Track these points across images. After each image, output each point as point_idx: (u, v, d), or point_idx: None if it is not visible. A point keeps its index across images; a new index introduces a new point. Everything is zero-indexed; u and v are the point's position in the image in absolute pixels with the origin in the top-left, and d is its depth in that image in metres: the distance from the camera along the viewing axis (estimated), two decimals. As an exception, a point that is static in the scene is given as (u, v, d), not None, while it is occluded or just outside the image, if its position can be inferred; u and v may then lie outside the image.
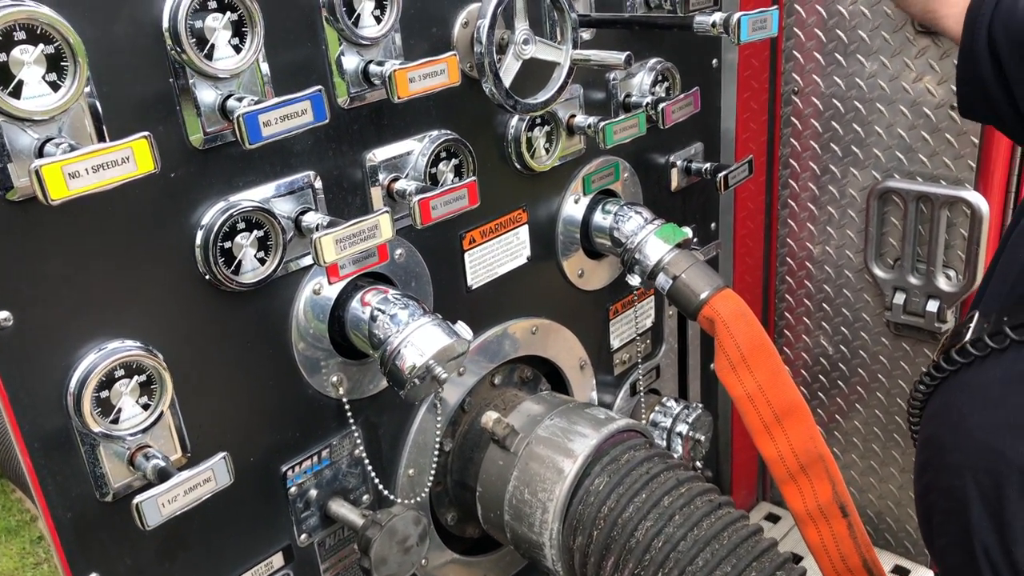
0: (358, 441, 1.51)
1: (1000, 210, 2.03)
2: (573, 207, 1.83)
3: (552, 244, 1.82)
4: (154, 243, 1.21)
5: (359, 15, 1.34)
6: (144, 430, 1.22)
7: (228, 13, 1.19)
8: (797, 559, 2.30)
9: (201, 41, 1.17)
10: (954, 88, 1.50)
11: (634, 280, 1.79)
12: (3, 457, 3.34)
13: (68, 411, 1.16)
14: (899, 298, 2.17)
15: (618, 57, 1.50)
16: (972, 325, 1.28)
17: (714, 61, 2.10)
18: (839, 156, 2.20)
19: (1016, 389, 1.19)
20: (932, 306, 2.13)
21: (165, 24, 1.15)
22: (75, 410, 1.15)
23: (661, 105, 1.76)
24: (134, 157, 1.04)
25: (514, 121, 1.64)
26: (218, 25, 1.18)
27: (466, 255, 1.64)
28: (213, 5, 1.17)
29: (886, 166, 2.13)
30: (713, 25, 1.52)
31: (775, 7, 1.52)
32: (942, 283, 2.11)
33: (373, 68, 1.35)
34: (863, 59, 2.08)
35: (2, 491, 3.69)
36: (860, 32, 2.06)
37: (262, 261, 1.31)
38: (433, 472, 1.64)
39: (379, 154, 1.44)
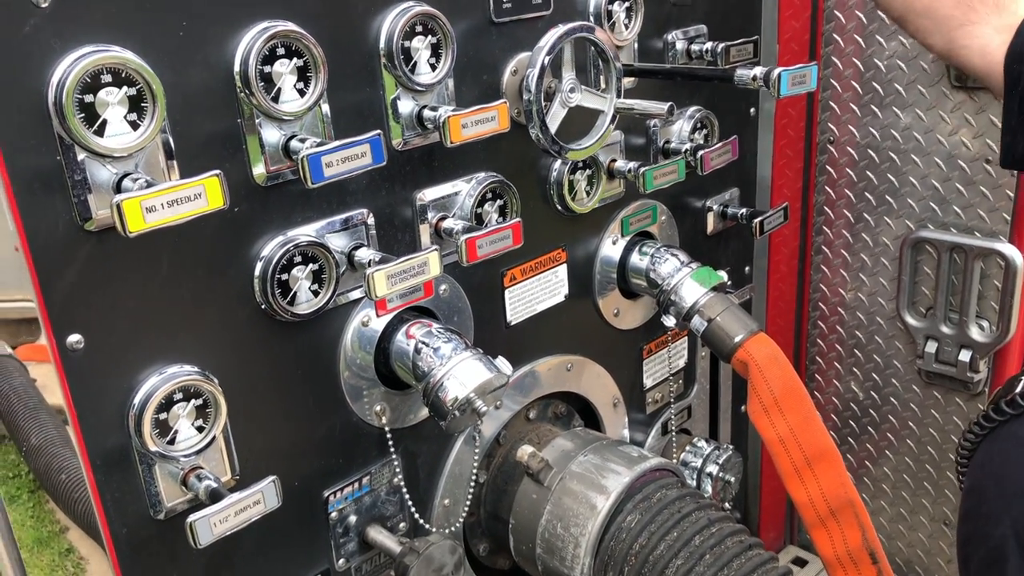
0: (397, 470, 1.56)
1: (1034, 263, 2.05)
2: (611, 248, 1.88)
3: (589, 283, 1.87)
4: (215, 273, 1.28)
5: (415, 63, 1.41)
6: (198, 452, 1.27)
7: (295, 59, 1.26)
8: (824, 605, 2.29)
9: (268, 84, 1.25)
10: (989, 142, 1.47)
11: (669, 321, 1.83)
12: (43, 469, 3.42)
13: (129, 430, 1.22)
14: (931, 347, 2.19)
15: (660, 107, 1.56)
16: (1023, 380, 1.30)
17: (752, 110, 2.16)
18: (873, 205, 2.23)
19: None
20: (964, 356, 2.14)
21: (236, 68, 1.22)
22: (135, 430, 1.21)
23: (700, 152, 1.81)
24: (206, 193, 1.11)
25: (557, 164, 1.70)
26: (285, 70, 1.25)
27: (506, 292, 1.69)
28: (281, 52, 1.25)
29: (920, 216, 2.15)
30: (754, 79, 1.57)
31: (814, 63, 1.57)
32: (975, 333, 2.12)
33: (427, 113, 1.42)
34: (899, 111, 2.12)
35: (37, 502, 3.77)
36: (896, 85, 2.11)
37: (315, 293, 1.37)
38: (468, 503, 1.68)
39: (428, 194, 1.50)
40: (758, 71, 1.57)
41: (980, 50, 1.42)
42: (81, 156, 1.10)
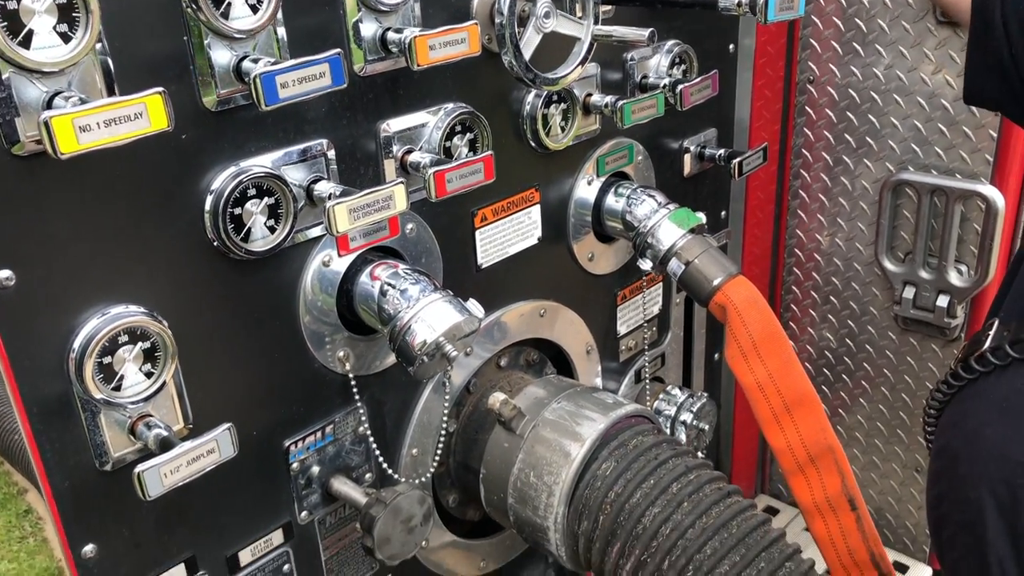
0: (363, 418, 1.48)
1: (1015, 205, 2.01)
2: (586, 188, 1.80)
3: (563, 226, 1.79)
4: (162, 206, 1.17)
5: (379, -21, 1.30)
6: (146, 398, 1.18)
7: (245, -30, 1.15)
8: (796, 552, 2.27)
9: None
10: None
11: (645, 264, 1.76)
12: (-8, 429, 3.29)
13: (69, 376, 1.12)
14: (909, 292, 2.15)
15: (641, 34, 1.47)
16: (991, 333, 1.25)
17: (731, 46, 2.07)
18: (853, 147, 2.17)
19: None
20: (942, 301, 2.10)
21: (180, -21, 1.11)
22: (77, 375, 1.12)
23: (680, 87, 1.73)
24: (147, 113, 1.00)
25: (530, 97, 1.60)
26: (235, -18, 1.14)
27: (477, 233, 1.61)
28: (231, -38, 1.14)
29: (900, 158, 2.10)
30: (739, 5, 1.48)
31: (802, -12, 1.49)
32: (953, 278, 2.08)
33: (391, 35, 1.32)
34: (881, 49, 2.05)
35: (-10, 464, 3.65)
36: (879, 21, 2.03)
37: (272, 230, 1.27)
38: (437, 453, 1.61)
39: (393, 125, 1.40)
40: (743, -4, 1.48)
41: None
42: (6, 73, 0.99)
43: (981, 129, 1.97)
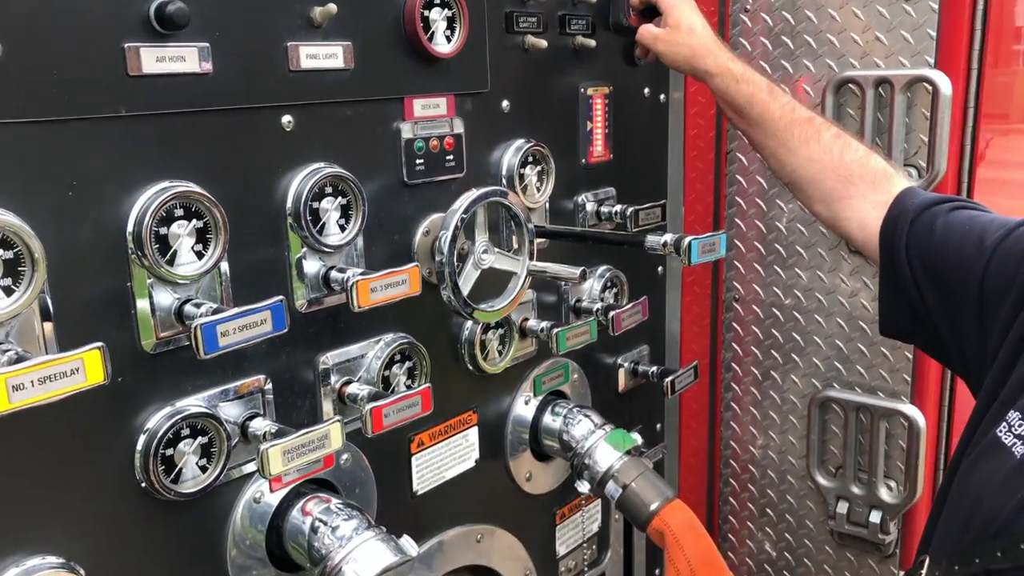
0: (287, 665, 1.40)
1: (935, 424, 2.08)
2: (523, 408, 1.82)
3: (501, 445, 1.79)
4: (89, 450, 1.15)
5: (324, 223, 1.36)
6: (54, 658, 1.11)
7: (194, 220, 1.19)
8: None
9: (164, 246, 1.17)
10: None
11: (583, 487, 1.76)
12: None
13: (-29, 637, 1.05)
14: (842, 507, 2.18)
15: (573, 272, 1.54)
16: (923, 572, 1.27)
17: (659, 268, 2.18)
18: (780, 362, 2.26)
19: None
20: (875, 517, 2.13)
21: (129, 229, 1.15)
22: (-21, 636, 1.05)
23: (612, 313, 1.80)
24: (84, 368, 1.00)
25: (469, 323, 1.65)
26: (183, 232, 1.18)
27: (413, 459, 1.60)
28: (180, 212, 1.18)
29: (825, 375, 2.19)
30: (664, 245, 1.58)
31: (723, 232, 1.60)
32: (884, 494, 2.12)
33: (334, 274, 1.36)
34: (800, 272, 2.18)
35: None
36: (797, 247, 2.18)
37: (203, 468, 1.25)
38: None
39: (332, 358, 1.43)
40: (668, 238, 1.58)
41: (859, 223, 1.53)
42: (-59, 324, 0.99)
43: (898, 350, 2.07)
